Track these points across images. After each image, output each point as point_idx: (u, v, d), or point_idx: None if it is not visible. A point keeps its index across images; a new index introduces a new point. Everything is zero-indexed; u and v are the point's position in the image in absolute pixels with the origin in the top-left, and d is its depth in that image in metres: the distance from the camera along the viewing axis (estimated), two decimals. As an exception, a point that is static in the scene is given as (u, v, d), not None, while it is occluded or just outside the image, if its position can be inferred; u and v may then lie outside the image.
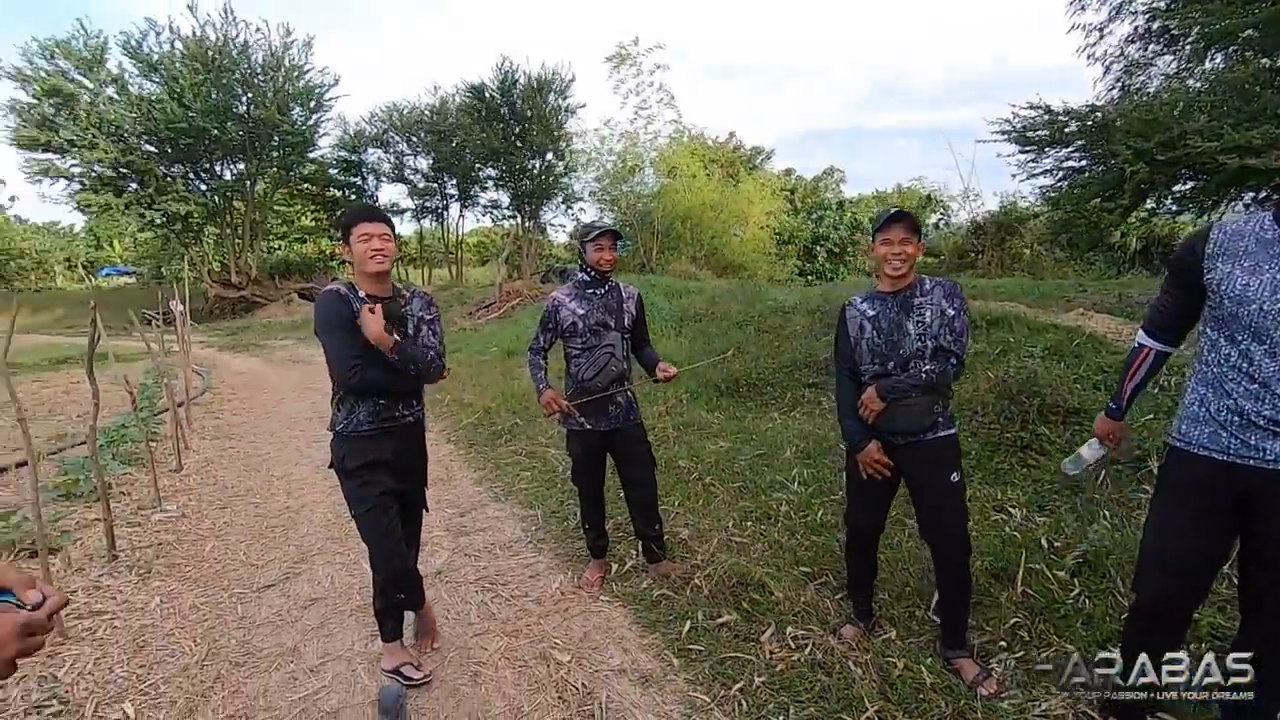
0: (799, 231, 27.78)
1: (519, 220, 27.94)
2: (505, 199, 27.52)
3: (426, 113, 25.93)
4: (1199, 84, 7.21)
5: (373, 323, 2.27)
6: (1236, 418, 1.71)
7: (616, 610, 3.01)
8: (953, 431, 2.37)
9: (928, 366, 2.30)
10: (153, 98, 21.35)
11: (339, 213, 28.41)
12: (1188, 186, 7.14)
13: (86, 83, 21.39)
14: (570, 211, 28.55)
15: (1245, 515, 1.75)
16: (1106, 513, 3.19)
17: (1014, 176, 16.22)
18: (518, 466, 5.07)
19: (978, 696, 2.22)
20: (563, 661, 2.63)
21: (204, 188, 23.64)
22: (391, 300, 2.44)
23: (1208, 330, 1.83)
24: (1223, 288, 1.72)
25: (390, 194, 28.46)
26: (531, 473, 4.88)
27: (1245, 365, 1.70)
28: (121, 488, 4.91)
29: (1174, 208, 7.92)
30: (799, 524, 3.58)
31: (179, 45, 21.48)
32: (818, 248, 28.02)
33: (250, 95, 22.36)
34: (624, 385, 3.12)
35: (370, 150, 27.30)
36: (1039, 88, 35.90)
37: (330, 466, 2.51)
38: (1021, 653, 2.43)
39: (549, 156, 26.05)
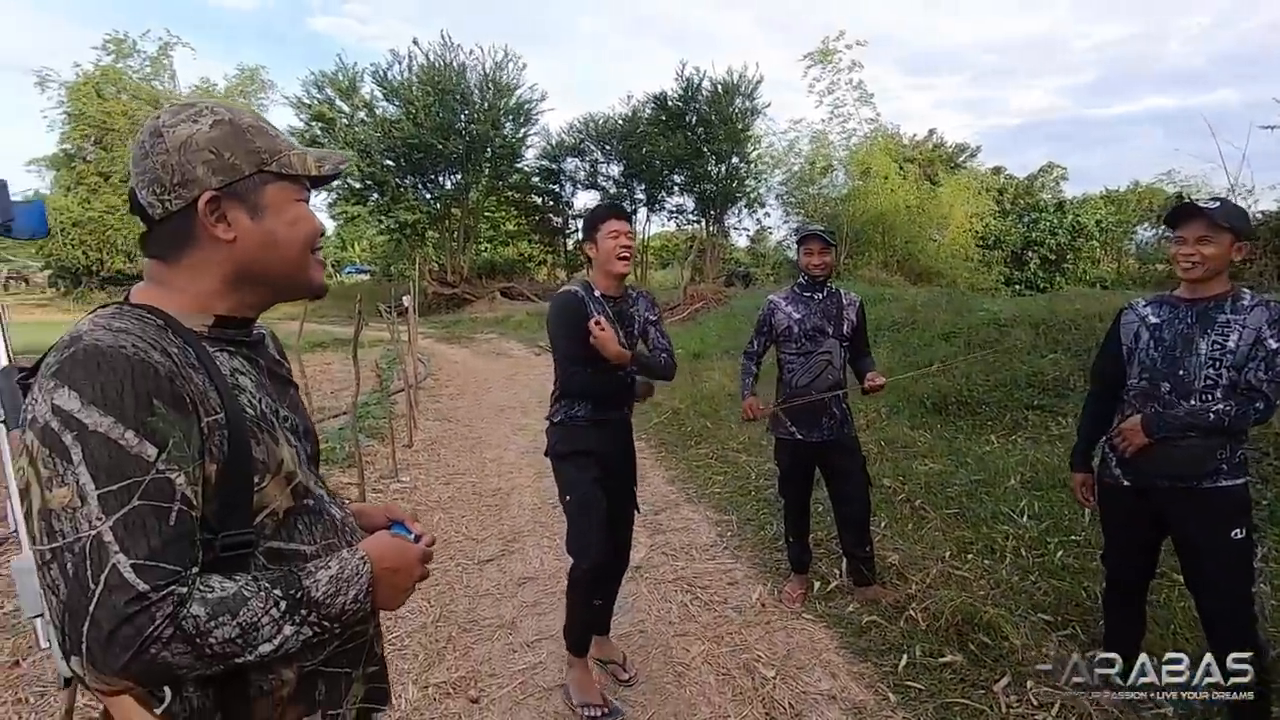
0: (1007, 235, 25.12)
1: (703, 224, 28.18)
2: (690, 203, 27.89)
3: (619, 121, 27.02)
4: None
5: (609, 342, 2.25)
6: None
7: (820, 630, 2.88)
8: (1240, 482, 1.94)
9: (1220, 406, 1.87)
10: (392, 118, 24.59)
11: (538, 218, 30.86)
12: None
13: (344, 107, 25.21)
14: (754, 215, 28.32)
15: None
16: None
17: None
18: (709, 470, 5.07)
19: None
20: (767, 677, 2.56)
21: (428, 196, 26.72)
22: (621, 300, 2.51)
23: None
24: None
25: (584, 200, 29.82)
26: (724, 477, 4.86)
27: None
28: (366, 458, 5.62)
29: None
30: (1032, 563, 3.19)
31: (414, 72, 24.55)
32: (1029, 254, 25.14)
33: (468, 112, 24.90)
34: (838, 394, 2.97)
35: (568, 159, 29.01)
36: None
37: (546, 454, 2.58)
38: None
39: (734, 160, 25.96)
